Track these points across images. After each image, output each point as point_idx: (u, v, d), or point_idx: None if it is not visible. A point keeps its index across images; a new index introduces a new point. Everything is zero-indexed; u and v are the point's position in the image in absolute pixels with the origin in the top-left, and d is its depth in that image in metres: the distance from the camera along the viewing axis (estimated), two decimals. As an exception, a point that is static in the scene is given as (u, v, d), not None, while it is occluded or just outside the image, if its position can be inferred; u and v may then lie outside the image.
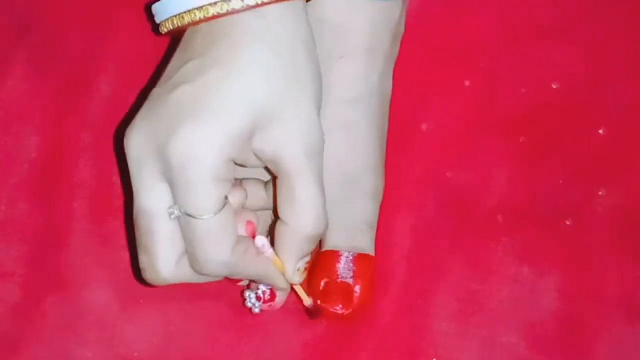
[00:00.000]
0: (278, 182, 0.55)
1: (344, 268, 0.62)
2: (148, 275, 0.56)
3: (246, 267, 0.56)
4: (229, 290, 0.63)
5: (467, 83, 0.69)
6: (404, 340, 0.63)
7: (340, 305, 0.62)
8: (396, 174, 0.65)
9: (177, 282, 0.56)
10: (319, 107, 0.55)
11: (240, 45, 0.53)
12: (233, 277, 0.57)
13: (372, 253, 0.63)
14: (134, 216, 0.55)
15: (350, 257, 0.62)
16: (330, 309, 0.62)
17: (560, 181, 0.66)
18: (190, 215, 0.53)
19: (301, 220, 0.55)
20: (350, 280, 0.62)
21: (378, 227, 0.64)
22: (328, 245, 0.63)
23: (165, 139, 0.52)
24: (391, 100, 0.65)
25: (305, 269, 0.58)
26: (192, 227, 0.53)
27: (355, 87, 0.63)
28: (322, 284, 0.62)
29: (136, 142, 0.54)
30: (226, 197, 0.54)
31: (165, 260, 0.55)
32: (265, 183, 0.60)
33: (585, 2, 0.71)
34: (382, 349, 0.63)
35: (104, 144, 0.66)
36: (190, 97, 0.52)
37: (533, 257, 0.64)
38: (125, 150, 0.54)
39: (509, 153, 0.67)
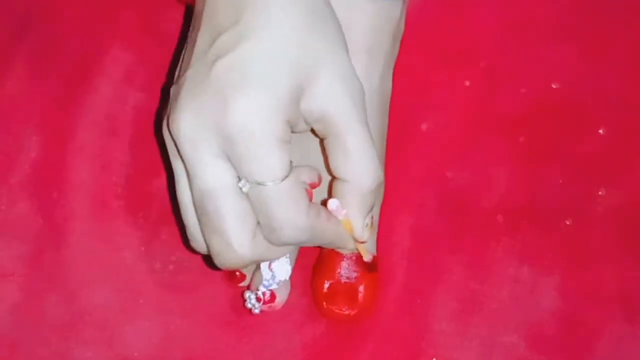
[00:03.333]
0: (328, 142, 0.55)
1: (347, 269, 0.62)
2: (224, 258, 0.55)
3: (321, 231, 0.55)
4: (228, 290, 0.63)
5: (467, 83, 0.69)
6: (404, 340, 0.63)
7: (346, 307, 0.62)
8: (396, 174, 0.65)
9: (256, 259, 0.55)
10: (348, 53, 0.55)
11: (268, 9, 0.52)
12: (308, 245, 0.57)
13: (374, 253, 0.63)
14: (198, 200, 0.54)
15: (354, 258, 0.62)
16: (336, 310, 0.62)
17: (560, 181, 0.66)
18: (260, 184, 0.52)
19: (361, 174, 0.55)
20: (354, 281, 0.62)
21: (378, 227, 0.64)
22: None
23: (220, 114, 0.52)
24: (391, 100, 0.65)
25: (372, 223, 0.58)
26: (265, 196, 0.53)
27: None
28: (326, 285, 0.62)
29: (187, 123, 0.53)
30: (291, 162, 0.53)
31: (240, 238, 0.54)
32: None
33: (585, 2, 0.71)
34: (382, 349, 0.63)
35: (104, 143, 0.66)
36: (233, 68, 0.52)
37: (533, 257, 0.64)
38: (175, 135, 0.53)
39: (509, 153, 0.67)
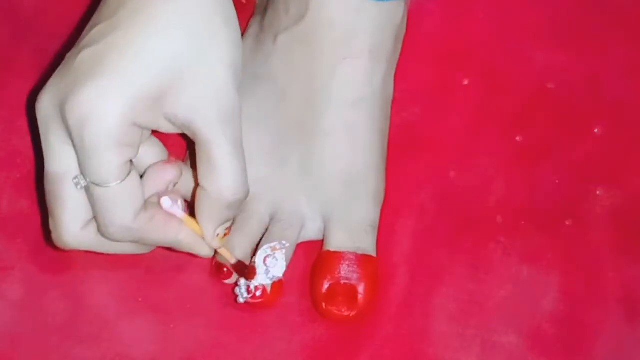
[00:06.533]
0: (197, 148, 0.54)
1: (347, 269, 0.62)
2: (53, 237, 0.56)
3: (152, 234, 0.55)
4: (229, 290, 0.62)
5: (465, 82, 0.69)
6: (405, 341, 0.63)
7: (345, 307, 0.61)
8: (396, 175, 0.65)
9: (82, 248, 0.56)
10: (237, 76, 0.53)
11: (148, 6, 0.51)
12: (143, 243, 0.57)
13: (374, 254, 0.63)
14: (44, 179, 0.55)
15: (354, 259, 0.62)
16: (335, 311, 0.62)
17: (557, 181, 0.67)
18: (94, 184, 0.52)
19: (220, 188, 0.54)
20: (354, 282, 0.62)
21: (378, 229, 0.64)
22: (331, 246, 0.62)
23: (65, 101, 0.51)
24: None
25: (226, 234, 0.58)
26: (94, 195, 0.53)
27: (358, 88, 0.62)
28: (325, 285, 0.62)
29: (44, 104, 0.53)
30: (131, 163, 0.53)
31: (69, 226, 0.55)
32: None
33: (580, 3, 0.71)
34: (382, 350, 0.62)
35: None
36: (93, 58, 0.51)
37: (533, 257, 0.64)
38: (36, 113, 0.53)
39: (506, 153, 0.67)
